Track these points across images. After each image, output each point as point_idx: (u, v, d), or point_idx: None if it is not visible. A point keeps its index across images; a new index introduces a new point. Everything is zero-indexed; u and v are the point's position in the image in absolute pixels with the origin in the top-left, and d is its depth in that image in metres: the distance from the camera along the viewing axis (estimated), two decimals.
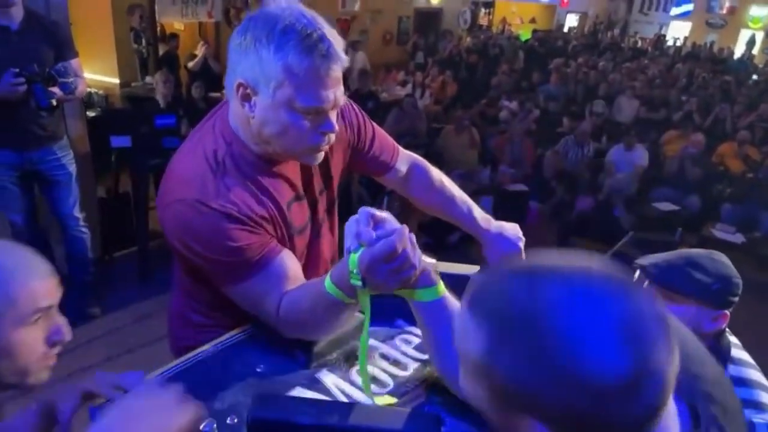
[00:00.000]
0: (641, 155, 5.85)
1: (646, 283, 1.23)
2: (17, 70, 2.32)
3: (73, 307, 2.86)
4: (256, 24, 0.94)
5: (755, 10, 15.31)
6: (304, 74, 0.91)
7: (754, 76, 11.77)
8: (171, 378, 0.99)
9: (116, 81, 6.39)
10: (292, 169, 1.11)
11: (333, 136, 1.02)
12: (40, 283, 0.84)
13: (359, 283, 0.85)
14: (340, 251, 1.29)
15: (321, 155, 1.05)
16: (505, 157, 6.12)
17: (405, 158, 1.36)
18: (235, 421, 0.88)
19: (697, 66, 12.01)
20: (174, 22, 6.90)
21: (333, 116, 0.99)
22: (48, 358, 0.88)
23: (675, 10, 16.76)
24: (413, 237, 0.86)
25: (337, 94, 0.97)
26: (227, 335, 1.10)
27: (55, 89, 2.43)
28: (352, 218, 0.87)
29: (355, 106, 1.26)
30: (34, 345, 0.85)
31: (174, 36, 6.63)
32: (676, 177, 5.62)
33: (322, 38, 0.91)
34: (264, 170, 1.05)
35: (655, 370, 0.47)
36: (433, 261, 0.92)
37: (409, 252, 0.83)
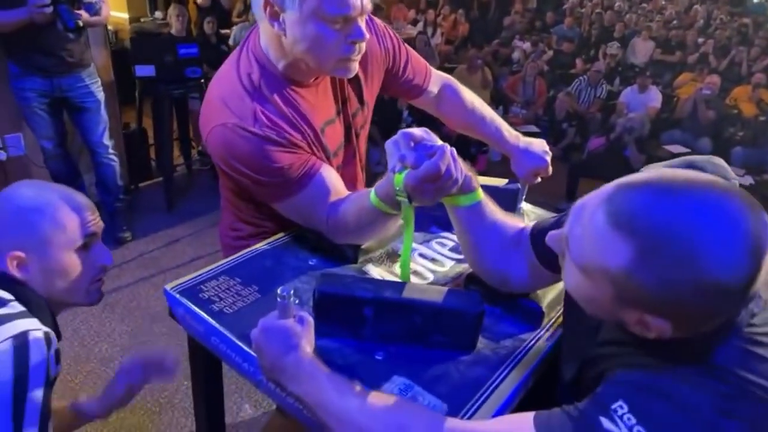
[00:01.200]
0: (654, 97, 5.82)
1: None
2: None
3: (105, 231, 2.98)
4: None
5: None
6: None
7: None
8: (228, 269, 1.08)
9: (125, 16, 6.29)
10: (324, 93, 1.15)
11: (363, 45, 1.04)
12: (84, 212, 0.96)
13: (405, 199, 0.90)
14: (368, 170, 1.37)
15: (355, 67, 1.06)
16: (517, 97, 6.10)
17: (437, 79, 1.40)
18: (297, 302, 0.99)
19: (716, 7, 11.66)
20: None
21: (362, 23, 1.00)
22: (97, 280, 1.01)
23: None
24: (454, 151, 0.88)
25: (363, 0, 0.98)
26: (280, 235, 1.20)
27: (80, 11, 2.45)
28: (392, 139, 0.90)
29: (389, 30, 1.28)
30: (84, 268, 0.96)
31: None
32: (689, 120, 5.61)
33: None
34: (298, 94, 1.08)
35: (763, 271, 0.56)
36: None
37: (452, 169, 0.87)
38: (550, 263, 0.87)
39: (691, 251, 0.55)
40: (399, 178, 0.88)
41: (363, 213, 1.01)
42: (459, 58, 7.33)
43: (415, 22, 8.54)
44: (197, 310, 0.97)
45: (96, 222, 0.99)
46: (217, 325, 0.94)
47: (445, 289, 0.94)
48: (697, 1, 12.48)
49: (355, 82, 1.21)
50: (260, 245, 1.17)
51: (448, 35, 8.37)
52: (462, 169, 0.90)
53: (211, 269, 1.08)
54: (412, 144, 0.89)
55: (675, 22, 9.54)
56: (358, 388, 0.76)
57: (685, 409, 0.58)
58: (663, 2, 12.00)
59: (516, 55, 7.52)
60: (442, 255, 1.20)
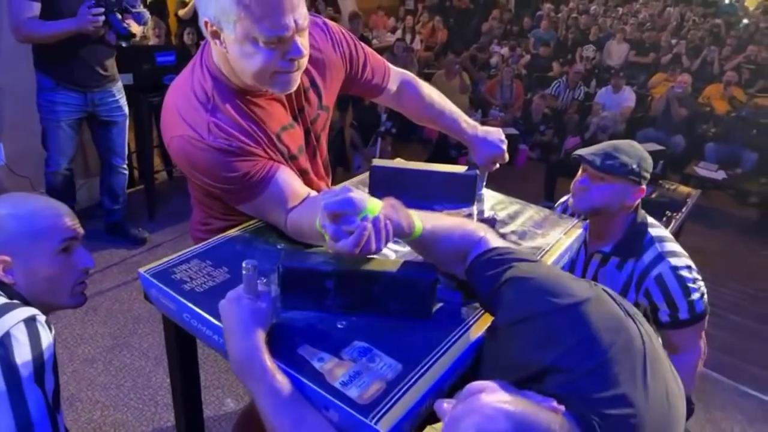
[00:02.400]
0: (628, 97, 5.98)
1: (587, 168, 1.51)
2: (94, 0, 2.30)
3: (123, 234, 3.06)
4: None
5: None
6: (255, 4, 0.93)
7: (745, 20, 11.73)
8: (200, 253, 1.14)
9: None
10: (278, 100, 1.16)
11: (304, 61, 1.05)
12: (63, 218, 1.03)
13: None
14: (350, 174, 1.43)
15: (294, 80, 1.07)
16: (495, 100, 6.22)
17: (396, 76, 1.44)
18: (264, 280, 1.05)
19: (689, 9, 11.95)
20: None
21: (300, 40, 1.01)
22: (80, 283, 1.08)
23: None
24: (379, 220, 0.85)
25: (296, 17, 0.97)
26: (250, 222, 1.26)
27: (129, 21, 2.46)
28: (320, 200, 0.87)
29: (345, 33, 1.31)
30: (66, 270, 1.03)
31: None
32: (662, 118, 5.76)
33: None
34: (250, 102, 1.11)
35: None
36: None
37: (370, 245, 0.84)
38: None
39: None
40: (325, 237, 0.87)
41: (313, 230, 0.98)
42: (438, 64, 7.46)
43: (394, 30, 8.67)
44: (169, 290, 1.02)
45: (75, 226, 1.06)
46: (187, 303, 0.99)
47: (401, 260, 1.01)
48: (670, 3, 12.80)
49: (313, 88, 1.25)
50: (231, 232, 1.23)
51: (427, 42, 8.51)
52: (390, 232, 0.88)
53: (183, 254, 1.14)
54: (334, 215, 0.85)
55: (648, 24, 9.77)
56: (299, 409, 0.81)
57: None
58: (637, 6, 12.29)
59: (494, 60, 7.66)
60: None
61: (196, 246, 1.17)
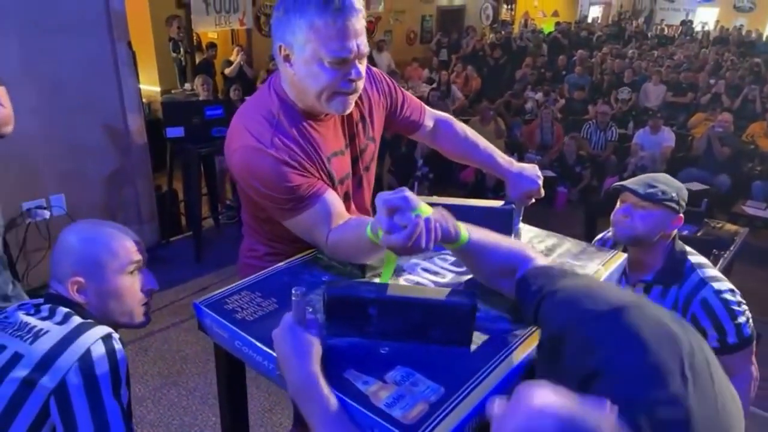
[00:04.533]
0: (667, 137, 5.91)
1: (629, 197, 1.55)
2: None
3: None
4: None
5: None
6: (325, 27, 1.08)
7: None
8: (249, 286, 1.20)
9: (157, 89, 6.77)
10: (334, 127, 1.31)
11: (361, 84, 1.19)
12: (131, 242, 1.14)
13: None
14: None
15: (350, 103, 1.22)
16: (534, 143, 6.25)
17: (431, 115, 1.56)
18: (310, 310, 1.10)
19: (726, 50, 11.87)
20: (208, 31, 7.25)
21: (360, 65, 1.15)
22: (145, 302, 1.17)
23: None
24: (430, 221, 0.93)
25: (359, 43, 1.12)
26: (296, 257, 1.32)
27: None
28: (377, 198, 0.96)
29: (385, 76, 1.46)
30: (134, 290, 1.13)
31: (213, 45, 7.00)
32: (705, 157, 5.66)
33: None
34: (310, 126, 1.25)
35: None
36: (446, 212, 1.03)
37: (420, 241, 0.92)
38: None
39: None
40: (379, 234, 0.96)
41: (358, 240, 1.11)
42: (473, 110, 7.60)
43: (429, 81, 8.91)
44: (222, 319, 1.09)
45: (141, 251, 1.16)
46: (239, 331, 1.05)
47: (441, 288, 1.04)
48: (706, 44, 12.75)
49: (362, 122, 1.38)
50: (278, 265, 1.29)
51: (462, 90, 8.70)
52: (439, 233, 0.96)
53: (234, 286, 1.21)
54: (392, 210, 0.93)
55: (685, 65, 9.73)
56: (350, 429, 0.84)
57: None
58: (673, 48, 12.30)
59: (529, 105, 7.76)
60: (444, 269, 1.30)
61: (246, 278, 1.24)
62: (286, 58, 1.17)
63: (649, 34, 14.41)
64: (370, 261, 1.22)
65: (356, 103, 1.36)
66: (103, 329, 0.99)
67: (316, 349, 0.91)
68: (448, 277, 1.26)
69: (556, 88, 8.53)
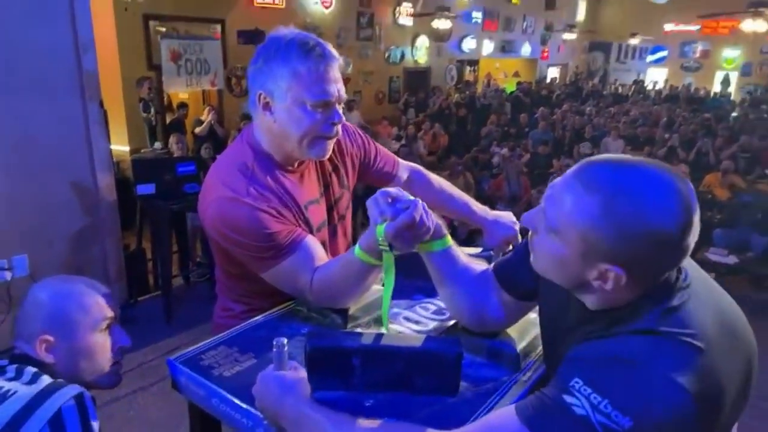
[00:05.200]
0: None
1: None
2: None
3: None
4: (266, 47, 1.19)
5: (728, 52, 16.13)
6: (308, 73, 1.13)
7: (734, 113, 12.27)
8: (226, 341, 1.16)
9: (126, 149, 6.74)
10: (308, 177, 1.32)
11: (339, 128, 1.22)
12: (104, 297, 1.10)
13: (387, 248, 1.03)
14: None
15: (330, 149, 1.25)
16: (503, 196, 6.39)
17: (405, 167, 1.59)
18: (294, 364, 1.06)
19: (677, 106, 12.56)
20: (179, 92, 7.33)
21: (339, 109, 1.20)
22: (117, 362, 1.12)
23: (650, 57, 17.61)
24: (425, 204, 1.04)
25: (339, 88, 1.17)
26: (274, 309, 1.29)
27: None
28: (372, 198, 1.04)
29: (358, 130, 1.50)
30: (105, 348, 1.08)
31: (184, 105, 7.06)
32: None
33: (318, 44, 1.16)
34: (285, 176, 1.26)
35: (694, 226, 0.71)
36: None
37: (424, 218, 1.02)
38: (517, 290, 1.00)
39: (642, 205, 0.69)
40: (380, 229, 1.01)
41: (347, 268, 1.13)
42: (441, 166, 7.77)
43: (398, 138, 9.12)
44: (198, 376, 1.04)
45: (113, 307, 1.11)
46: (216, 388, 1.00)
47: (426, 336, 1.03)
48: (659, 101, 13.48)
49: (336, 171, 1.40)
50: (255, 318, 1.26)
51: (430, 147, 8.92)
52: (433, 218, 1.04)
53: (210, 341, 1.16)
54: (390, 200, 1.03)
55: (640, 121, 10.24)
56: (360, 421, 0.83)
57: (633, 365, 0.67)
58: (627, 106, 12.96)
59: (495, 159, 7.97)
60: (425, 317, 1.28)
61: (222, 333, 1.20)
62: (266, 106, 1.19)
63: (604, 93, 15.18)
64: (362, 291, 1.20)
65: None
66: (75, 388, 0.93)
67: (304, 383, 0.89)
68: (431, 326, 1.24)
69: (521, 143, 8.84)
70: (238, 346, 1.14)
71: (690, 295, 0.74)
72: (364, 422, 0.83)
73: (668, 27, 16.51)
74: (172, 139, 4.78)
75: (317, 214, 1.32)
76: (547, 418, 0.68)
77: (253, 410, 0.93)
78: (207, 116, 6.91)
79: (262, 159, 1.24)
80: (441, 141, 8.99)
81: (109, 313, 1.08)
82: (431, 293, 1.37)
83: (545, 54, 15.98)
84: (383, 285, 1.08)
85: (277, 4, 8.14)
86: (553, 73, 16.99)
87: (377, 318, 1.27)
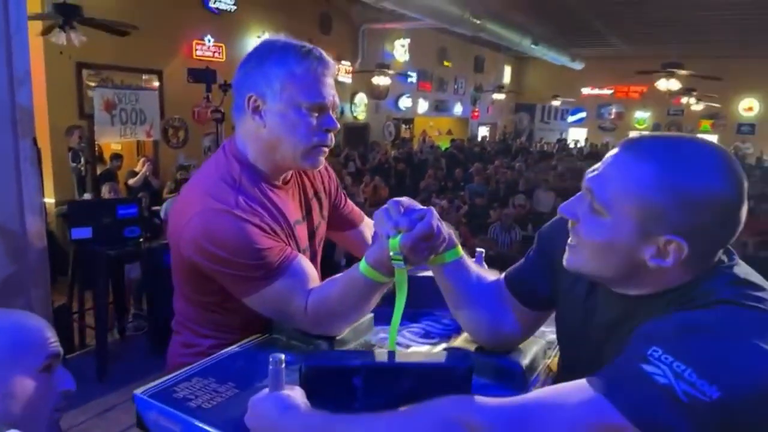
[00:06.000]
0: None
1: None
2: None
3: None
4: (258, 50, 1.14)
5: (639, 114, 17.65)
6: (305, 74, 1.08)
7: None
8: (199, 372, 1.03)
9: (51, 201, 6.31)
10: (294, 195, 1.25)
11: (332, 137, 1.16)
12: (45, 332, 0.93)
13: (401, 262, 0.94)
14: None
15: (323, 160, 1.17)
16: None
17: (371, 225, 1.51)
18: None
19: (595, 162, 13.43)
20: (112, 142, 7.04)
21: (333, 116, 1.14)
22: (59, 408, 0.94)
23: (571, 118, 18.93)
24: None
25: (334, 94, 1.12)
26: (250, 338, 1.17)
27: None
28: (382, 209, 0.97)
29: (332, 172, 1.43)
30: (46, 393, 0.91)
31: (117, 156, 6.78)
32: None
33: (314, 48, 1.12)
34: (273, 190, 1.17)
35: (746, 197, 0.70)
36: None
37: (441, 227, 0.96)
38: (532, 300, 0.95)
39: (700, 170, 0.68)
40: (394, 242, 0.93)
41: (350, 287, 1.04)
42: None
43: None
44: (172, 409, 0.91)
45: (57, 343, 0.94)
46: (196, 422, 0.87)
47: (430, 351, 0.96)
48: (581, 158, 14.38)
49: (317, 198, 1.33)
50: (229, 348, 1.13)
51: (371, 199, 8.98)
52: (445, 227, 0.99)
53: (180, 372, 1.02)
54: (402, 210, 0.95)
55: (568, 175, 10.84)
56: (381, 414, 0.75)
57: (716, 334, 0.63)
58: (554, 162, 13.73)
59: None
60: (415, 341, 1.21)
61: (194, 364, 1.06)
62: (256, 110, 1.11)
63: (531, 150, 16.03)
64: (365, 313, 1.11)
65: (310, 178, 1.32)
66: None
67: (303, 400, 0.79)
68: (437, 338, 1.18)
69: (458, 195, 9.08)
70: (215, 376, 1.01)
71: (748, 270, 0.72)
72: (394, 412, 0.75)
73: (585, 91, 17.90)
74: (105, 188, 4.54)
75: (303, 235, 1.24)
76: (626, 388, 0.62)
77: None
78: (142, 167, 6.64)
79: (249, 171, 1.14)
80: (382, 193, 9.07)
81: (51, 351, 0.91)
82: (416, 318, 1.31)
83: (476, 114, 16.79)
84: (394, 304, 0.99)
85: (217, 58, 8.12)
86: (483, 131, 17.84)
87: (365, 344, 1.18)
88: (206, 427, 0.86)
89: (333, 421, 0.74)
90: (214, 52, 8.22)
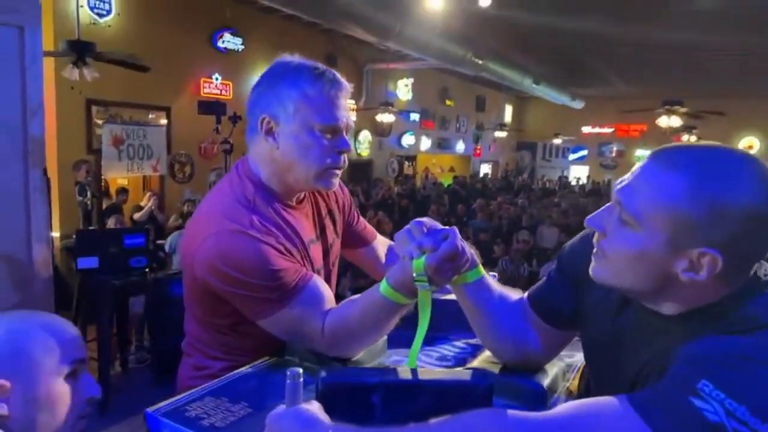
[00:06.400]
0: None
1: None
2: None
3: None
4: (271, 70, 1.15)
5: (639, 152, 17.77)
6: (318, 96, 1.08)
7: None
8: (211, 391, 1.01)
9: (56, 234, 6.31)
10: (308, 214, 1.25)
11: (346, 158, 1.17)
12: (72, 336, 0.91)
13: (425, 283, 0.93)
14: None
15: (336, 181, 1.18)
16: None
17: (384, 243, 1.52)
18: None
19: (599, 199, 13.49)
20: (119, 177, 7.10)
21: (347, 137, 1.15)
22: (83, 416, 0.92)
23: (572, 156, 19.07)
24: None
25: (347, 116, 1.13)
26: (260, 360, 1.15)
27: None
28: (404, 229, 0.97)
29: (346, 189, 1.44)
30: (71, 398, 0.88)
31: (123, 190, 6.82)
32: None
33: (328, 70, 1.13)
34: (287, 210, 1.17)
35: None
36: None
37: (465, 246, 0.96)
38: (557, 320, 0.93)
39: (733, 180, 0.66)
40: (419, 264, 0.92)
41: (369, 309, 1.02)
42: None
43: None
44: (185, 428, 0.88)
45: (84, 348, 0.93)
46: None
47: (451, 369, 0.94)
48: (583, 195, 14.43)
49: (330, 217, 1.33)
50: (242, 369, 1.11)
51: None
52: (468, 247, 0.99)
53: (192, 392, 1.01)
54: (425, 230, 0.95)
55: (570, 211, 10.85)
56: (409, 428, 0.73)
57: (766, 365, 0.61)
58: (556, 199, 13.79)
59: None
60: (430, 364, 1.19)
61: (205, 385, 1.04)
62: (269, 132, 1.12)
63: (533, 187, 16.11)
64: (383, 334, 1.09)
65: (323, 197, 1.32)
66: None
67: (323, 415, 0.76)
68: (453, 360, 1.16)
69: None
70: (228, 396, 0.99)
71: None
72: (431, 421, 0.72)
73: (586, 129, 18.10)
74: (111, 221, 4.55)
75: (317, 255, 1.24)
76: (676, 423, 0.60)
77: None
78: (147, 202, 6.66)
79: (262, 191, 1.14)
80: (385, 228, 9.05)
81: (78, 355, 0.90)
82: (431, 342, 1.29)
83: (477, 151, 16.93)
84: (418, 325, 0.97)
85: (224, 95, 8.26)
86: (485, 168, 17.95)
87: (380, 365, 1.16)
88: None
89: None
90: (222, 89, 8.38)
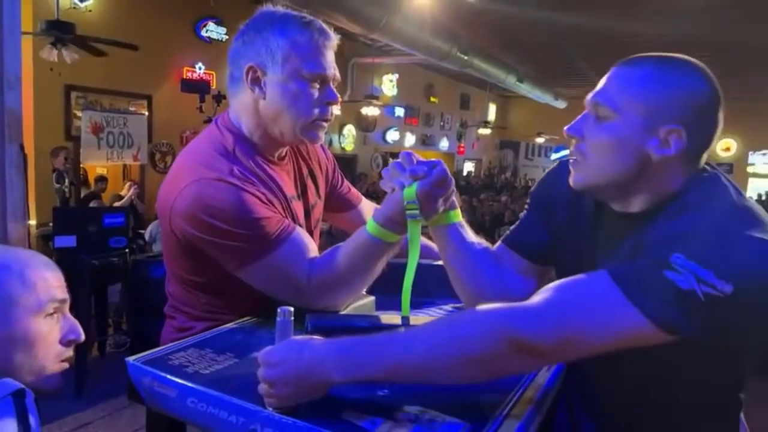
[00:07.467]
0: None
1: None
2: None
3: None
4: (256, 20, 1.11)
5: None
6: (307, 44, 1.06)
7: None
8: (196, 343, 0.98)
9: (32, 222, 6.17)
10: (289, 172, 1.21)
11: (335, 108, 1.14)
12: (54, 274, 0.87)
13: (416, 212, 0.94)
14: None
15: (323, 135, 1.14)
16: None
17: (370, 206, 1.48)
18: None
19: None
20: (98, 165, 6.96)
21: (334, 88, 1.12)
22: (63, 358, 0.87)
23: (555, 155, 19.23)
24: None
25: (335, 66, 1.11)
26: (246, 318, 1.12)
27: None
28: (393, 162, 0.99)
29: (329, 152, 1.42)
30: (51, 339, 0.84)
31: (102, 178, 6.69)
32: None
33: (314, 19, 1.10)
34: (268, 164, 1.13)
35: (721, 106, 0.80)
36: None
37: (451, 179, 0.98)
38: (534, 251, 0.97)
39: (687, 68, 0.80)
40: (410, 191, 0.93)
41: (357, 251, 1.01)
42: None
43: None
44: (168, 375, 0.85)
45: (64, 288, 0.88)
46: (194, 386, 0.82)
47: (441, 317, 0.92)
48: None
49: (312, 178, 1.29)
50: (228, 325, 1.08)
51: None
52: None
53: (176, 344, 0.98)
54: (415, 161, 0.97)
55: None
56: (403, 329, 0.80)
57: (738, 235, 0.69)
58: None
59: None
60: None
61: (191, 337, 1.02)
62: (255, 81, 1.08)
63: (516, 185, 16.23)
64: (371, 279, 1.07)
65: (305, 158, 1.29)
66: (13, 384, 0.71)
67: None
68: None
69: None
70: (212, 348, 0.97)
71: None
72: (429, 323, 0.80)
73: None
74: (91, 205, 4.45)
75: (299, 211, 1.20)
76: (651, 294, 0.68)
77: (246, 403, 0.76)
78: (127, 191, 6.55)
79: (243, 143, 1.10)
80: None
81: (60, 295, 0.85)
82: (418, 306, 1.27)
83: (461, 149, 17.00)
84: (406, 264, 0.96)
85: None
86: (468, 166, 18.04)
87: None
88: (206, 390, 0.81)
89: (368, 340, 0.75)
90: (205, 79, 8.26)
